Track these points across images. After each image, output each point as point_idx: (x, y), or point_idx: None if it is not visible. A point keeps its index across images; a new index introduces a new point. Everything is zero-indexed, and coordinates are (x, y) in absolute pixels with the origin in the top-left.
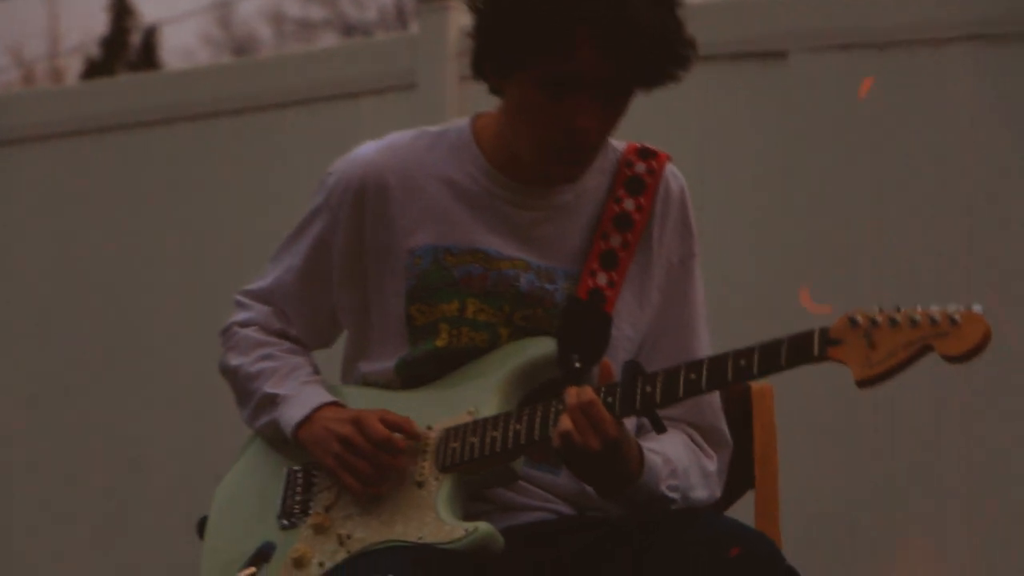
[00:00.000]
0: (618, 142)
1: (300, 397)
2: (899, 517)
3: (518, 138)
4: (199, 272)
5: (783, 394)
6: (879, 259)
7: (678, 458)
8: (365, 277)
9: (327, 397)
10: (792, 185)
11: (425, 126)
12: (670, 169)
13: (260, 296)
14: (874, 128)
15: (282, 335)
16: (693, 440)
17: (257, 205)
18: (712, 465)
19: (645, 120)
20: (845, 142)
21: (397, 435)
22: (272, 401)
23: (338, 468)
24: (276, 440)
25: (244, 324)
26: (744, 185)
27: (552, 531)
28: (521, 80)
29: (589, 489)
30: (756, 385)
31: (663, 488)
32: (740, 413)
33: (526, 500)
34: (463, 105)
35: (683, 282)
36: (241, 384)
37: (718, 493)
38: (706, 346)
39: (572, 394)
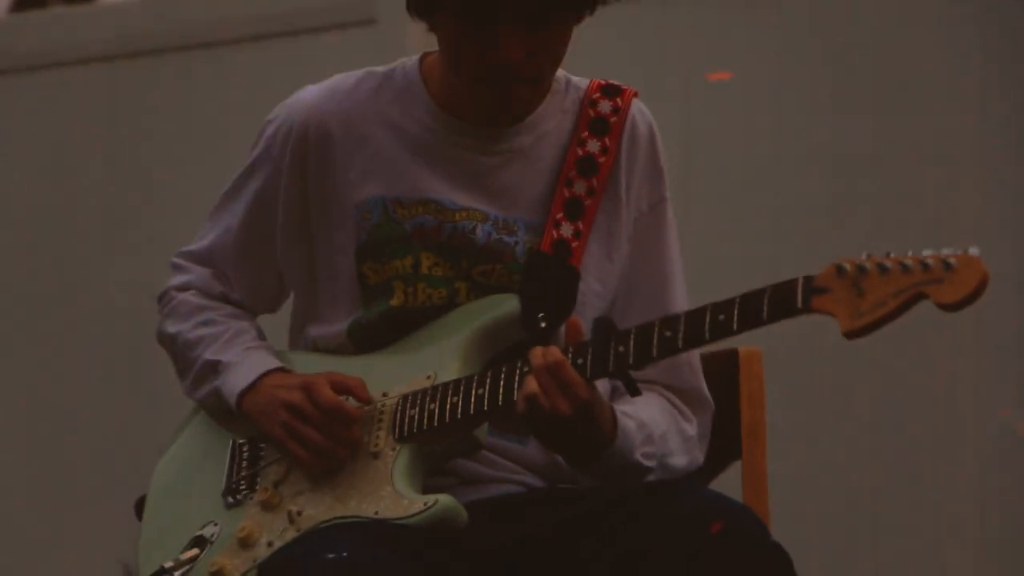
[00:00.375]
0: (581, 80)
1: (244, 364)
2: (896, 493)
3: (453, 76)
4: (140, 222)
5: (772, 359)
6: (879, 201)
7: (654, 423)
8: (311, 234)
9: (273, 363)
10: (787, 128)
11: (376, 65)
12: (636, 106)
13: (198, 258)
14: (872, 65)
15: (223, 299)
16: (671, 403)
17: (205, 149)
18: (692, 429)
19: (631, 58)
20: (842, 80)
21: (350, 402)
22: (214, 369)
23: (287, 439)
24: (219, 412)
25: (181, 288)
26: (735, 129)
27: (521, 505)
28: (443, 17)
29: (559, 459)
30: (744, 349)
31: (638, 455)
32: (726, 379)
33: (492, 472)
34: (427, 40)
35: (655, 229)
36: (180, 352)
37: (700, 459)
38: (683, 300)
39: (537, 355)
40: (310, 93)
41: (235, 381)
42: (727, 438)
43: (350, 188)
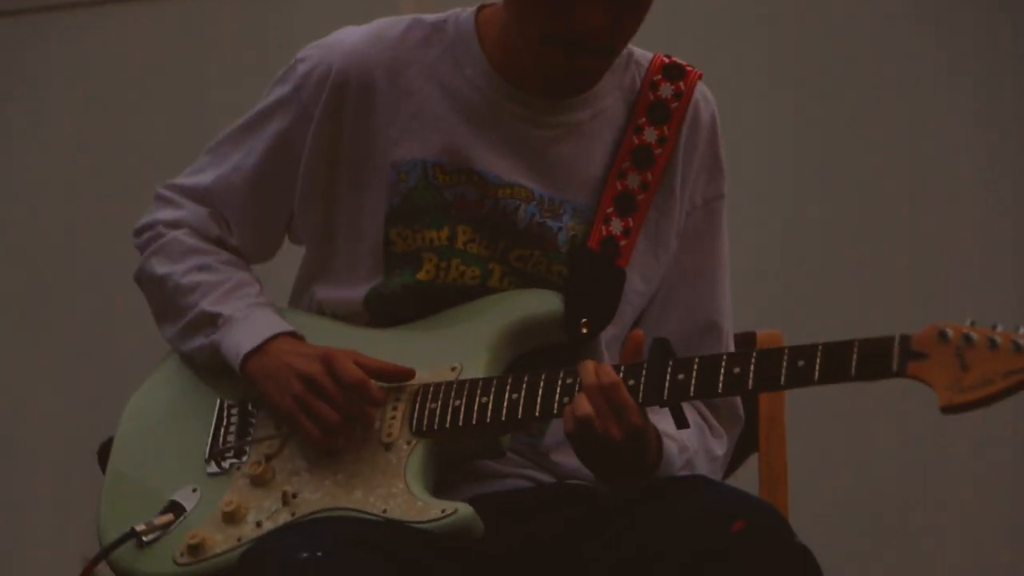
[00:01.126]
0: (643, 54)
1: (250, 321)
2: (922, 486)
3: (516, 36)
4: (107, 182)
5: (793, 342)
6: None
7: (691, 444)
8: (336, 189)
9: (284, 325)
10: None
11: (418, 14)
12: (701, 91)
13: (195, 194)
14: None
15: (219, 243)
16: (702, 417)
17: (180, 106)
18: (720, 448)
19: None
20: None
21: (375, 383)
22: (212, 321)
23: (297, 411)
24: (209, 367)
25: (172, 224)
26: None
27: (530, 502)
28: None
29: (572, 457)
30: (762, 333)
31: None
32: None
33: (497, 466)
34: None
35: (706, 226)
36: (169, 296)
37: (720, 477)
38: (727, 306)
39: (590, 372)
40: (352, 35)
41: (240, 339)
42: (744, 430)
43: (389, 145)
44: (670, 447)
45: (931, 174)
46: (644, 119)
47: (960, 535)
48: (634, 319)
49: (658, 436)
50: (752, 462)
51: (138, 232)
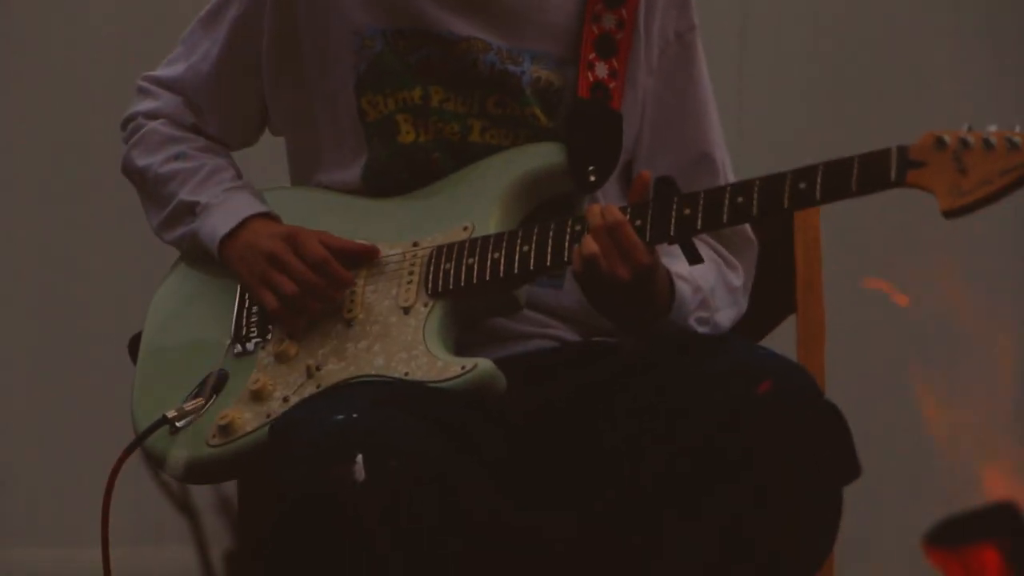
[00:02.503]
0: None
1: (225, 206)
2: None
3: None
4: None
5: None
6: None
7: (706, 282)
8: (303, 70)
9: (257, 207)
10: None
11: None
12: None
13: (169, 84)
14: None
15: (196, 131)
16: (715, 251)
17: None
18: (738, 279)
19: None
20: None
21: (338, 265)
22: (190, 210)
23: (257, 284)
24: (197, 255)
25: (150, 115)
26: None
27: (553, 362)
28: None
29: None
30: None
31: (691, 321)
32: (779, 226)
33: (521, 327)
34: None
35: (683, 59)
36: (151, 188)
37: (744, 305)
38: (720, 140)
39: (595, 213)
40: None
41: (215, 224)
42: (780, 291)
43: (345, 15)
44: (682, 288)
45: None
46: None
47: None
48: (623, 165)
49: (670, 278)
50: (787, 324)
51: (122, 125)
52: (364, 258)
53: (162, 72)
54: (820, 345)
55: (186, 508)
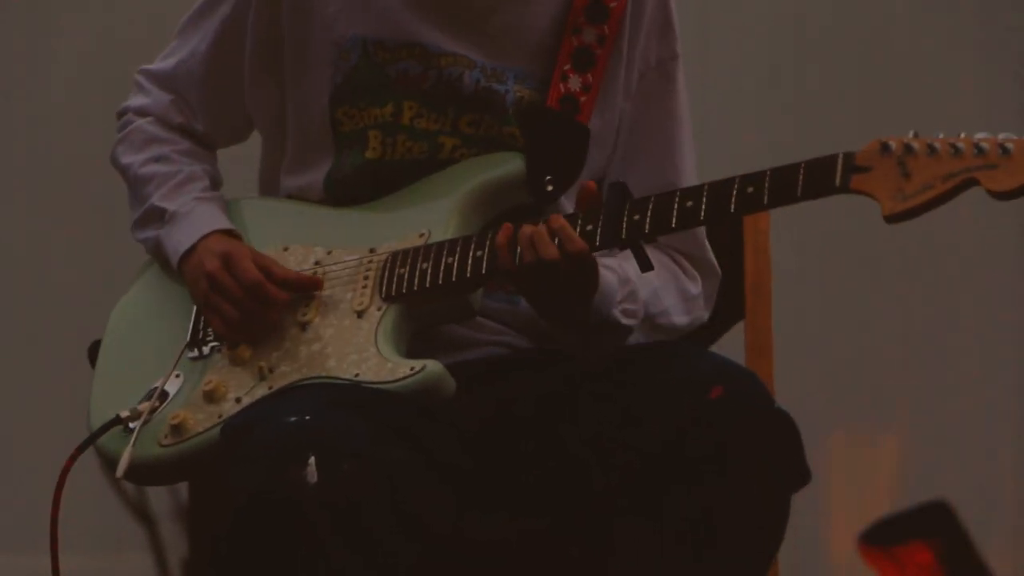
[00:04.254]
0: None
1: (190, 217)
2: (920, 351)
3: None
4: None
5: (779, 212)
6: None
7: (640, 282)
8: (282, 74)
9: (217, 222)
10: None
11: None
12: None
13: (162, 79)
14: None
15: (183, 131)
16: (673, 260)
17: None
18: (695, 288)
19: None
20: None
21: (273, 287)
22: (160, 216)
23: (204, 308)
24: (160, 260)
25: (139, 112)
26: None
27: (507, 368)
28: None
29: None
30: None
31: (616, 312)
32: (728, 232)
33: (475, 334)
34: None
35: (661, 87)
36: (131, 185)
37: (704, 316)
38: (691, 167)
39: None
40: None
41: (178, 240)
42: (729, 296)
43: (327, 23)
44: (607, 277)
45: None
46: None
47: (965, 400)
48: (591, 177)
49: (595, 266)
50: (737, 330)
51: (118, 116)
52: (305, 288)
53: (156, 66)
54: (768, 351)
55: (144, 516)
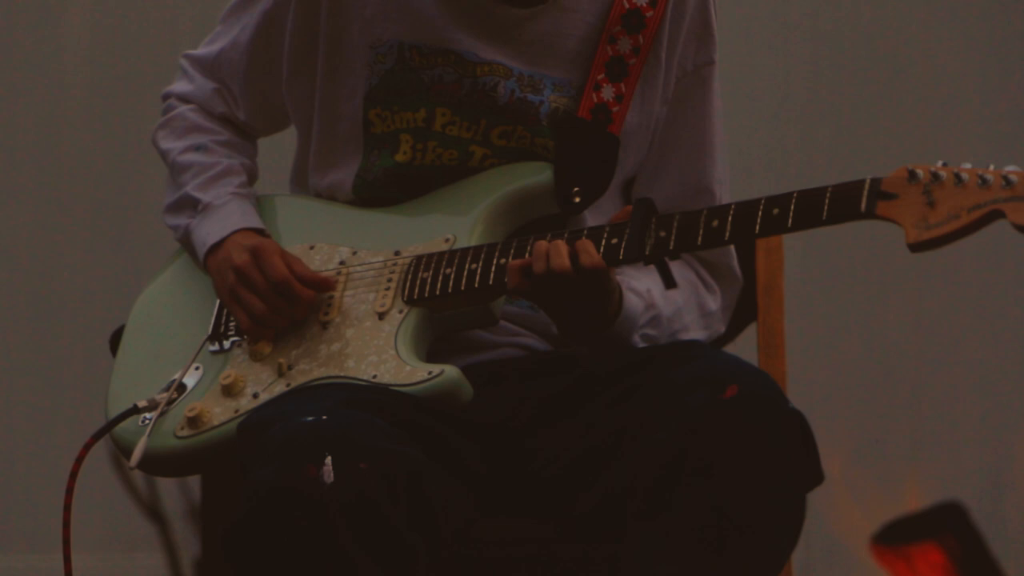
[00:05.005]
0: None
1: (221, 212)
2: (932, 351)
3: None
4: None
5: None
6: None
7: (669, 303)
8: (316, 68)
9: (248, 220)
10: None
11: None
12: None
13: (205, 66)
14: None
15: (225, 120)
16: (695, 272)
17: None
18: (715, 303)
19: None
20: None
21: (300, 284)
22: (193, 205)
23: (230, 301)
24: (188, 248)
25: (183, 98)
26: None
27: (521, 369)
28: None
29: None
30: None
31: (636, 337)
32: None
33: (492, 336)
34: None
35: (696, 92)
36: (169, 171)
37: (721, 329)
38: (722, 173)
39: (541, 249)
40: None
41: (207, 232)
42: (742, 297)
43: (364, 25)
44: (633, 301)
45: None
46: None
47: (977, 400)
48: (621, 186)
49: (620, 290)
50: (751, 331)
51: (162, 99)
52: (322, 288)
53: (200, 52)
54: (780, 351)
55: (156, 515)
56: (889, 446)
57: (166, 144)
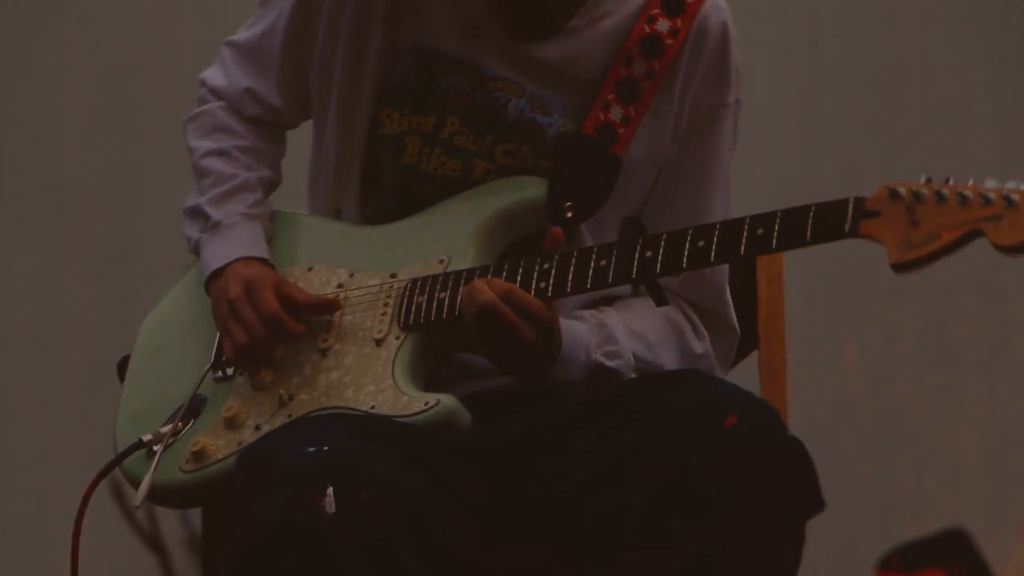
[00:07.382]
0: None
1: (230, 235)
2: (932, 379)
3: None
4: None
5: None
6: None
7: (618, 323)
8: (335, 62)
9: (253, 249)
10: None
11: None
12: (712, 1)
13: (244, 51)
14: None
15: (255, 122)
16: (685, 315)
17: None
18: (700, 347)
19: None
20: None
21: (290, 320)
22: (205, 219)
23: (222, 332)
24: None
25: (215, 93)
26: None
27: (520, 398)
28: None
29: None
30: None
31: (597, 356)
32: (742, 263)
33: (489, 364)
34: None
35: (708, 132)
36: (193, 168)
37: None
38: (724, 214)
39: (483, 290)
40: None
41: (213, 255)
42: (743, 326)
43: (386, 25)
44: (575, 330)
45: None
46: (658, 10)
47: (980, 425)
48: (638, 208)
49: (558, 330)
50: (752, 359)
51: (200, 84)
52: (325, 311)
53: (239, 36)
54: (782, 380)
55: (156, 545)
56: (892, 475)
57: (192, 141)
